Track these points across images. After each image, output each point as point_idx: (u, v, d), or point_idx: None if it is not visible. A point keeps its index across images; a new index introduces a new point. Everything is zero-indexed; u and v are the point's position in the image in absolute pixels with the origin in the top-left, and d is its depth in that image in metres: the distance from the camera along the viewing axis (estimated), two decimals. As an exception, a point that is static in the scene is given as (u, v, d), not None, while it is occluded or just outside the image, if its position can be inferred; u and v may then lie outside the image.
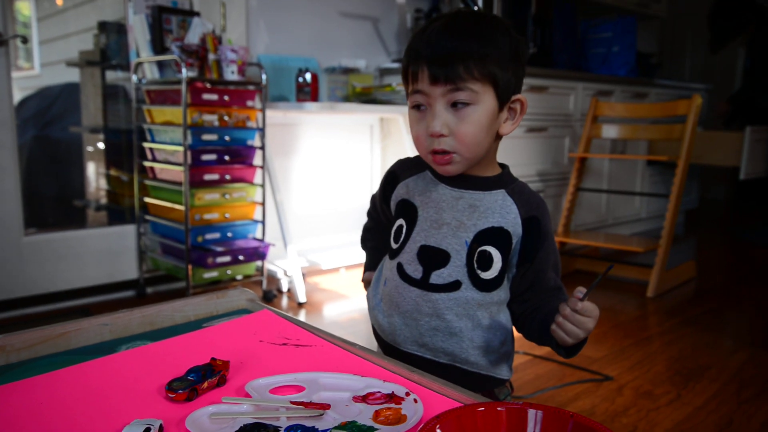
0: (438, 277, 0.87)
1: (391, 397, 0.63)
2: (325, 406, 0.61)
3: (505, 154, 3.15)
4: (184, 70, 2.21)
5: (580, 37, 3.98)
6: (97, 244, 2.53)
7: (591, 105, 3.12)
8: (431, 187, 0.92)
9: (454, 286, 0.86)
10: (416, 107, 0.86)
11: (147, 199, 2.59)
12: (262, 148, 2.53)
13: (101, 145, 3.08)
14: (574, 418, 0.52)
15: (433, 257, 0.87)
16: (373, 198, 1.06)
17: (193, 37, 2.39)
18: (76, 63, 2.97)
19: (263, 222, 2.55)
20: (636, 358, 2.07)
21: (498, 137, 0.88)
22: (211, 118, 2.37)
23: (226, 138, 2.42)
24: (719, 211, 5.58)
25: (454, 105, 0.82)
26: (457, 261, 0.86)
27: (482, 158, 0.88)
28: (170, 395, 0.63)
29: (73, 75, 3.00)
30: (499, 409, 0.54)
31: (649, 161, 4.03)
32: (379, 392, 0.64)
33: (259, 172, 2.55)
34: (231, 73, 2.40)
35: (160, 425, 0.56)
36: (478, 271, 0.86)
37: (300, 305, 2.53)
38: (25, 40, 2.33)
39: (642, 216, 4.15)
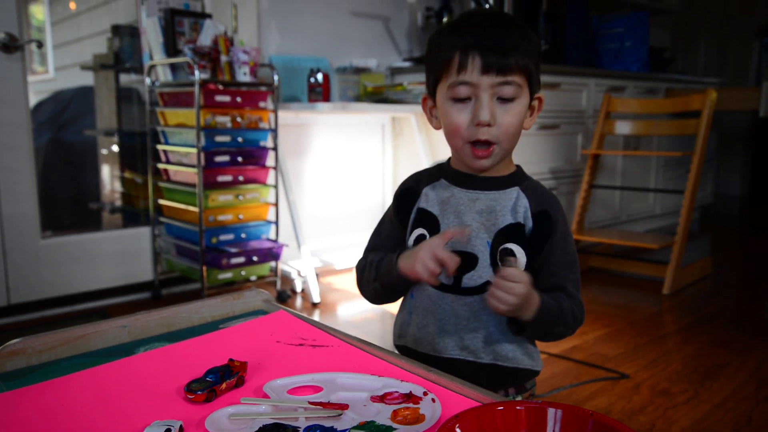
0: (469, 279, 0.89)
1: (409, 397, 0.63)
2: (344, 407, 0.61)
3: (516, 151, 3.13)
4: (196, 72, 2.23)
5: (592, 32, 3.96)
6: (112, 246, 2.55)
7: (604, 101, 3.10)
8: (448, 194, 0.93)
9: (486, 287, 0.87)
10: (456, 99, 0.86)
11: (161, 201, 2.61)
12: (275, 149, 2.54)
13: (115, 148, 3.11)
14: (593, 417, 0.52)
15: (462, 261, 0.87)
16: (377, 233, 1.00)
17: (205, 39, 2.41)
18: (90, 66, 3.00)
19: (277, 223, 2.56)
20: (652, 355, 2.05)
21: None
22: (224, 120, 2.38)
23: (239, 139, 2.43)
24: (735, 206, 5.52)
25: (499, 99, 0.85)
26: (484, 262, 0.88)
27: None
28: (189, 396, 0.63)
29: (87, 78, 3.03)
30: (518, 408, 0.54)
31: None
32: (396, 392, 0.64)
33: (272, 173, 2.56)
34: (243, 75, 2.41)
35: (180, 426, 0.56)
36: None
37: (314, 305, 2.54)
38: (39, 44, 2.35)
39: (656, 212, 4.12)
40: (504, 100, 0.85)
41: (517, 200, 0.89)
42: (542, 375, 1.88)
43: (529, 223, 0.88)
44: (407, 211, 0.96)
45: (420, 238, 0.92)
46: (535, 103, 0.91)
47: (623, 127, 3.11)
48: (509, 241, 0.88)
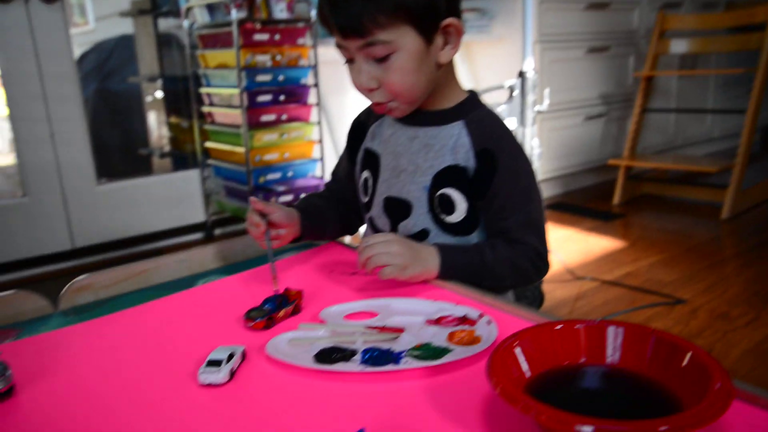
0: (404, 228, 0.84)
1: (464, 320, 0.64)
2: (399, 330, 0.62)
3: (564, 77, 3.02)
4: (233, 12, 2.20)
5: (645, -56, 3.70)
6: (163, 190, 2.61)
7: (657, 19, 2.93)
8: (390, 131, 0.87)
9: (422, 235, 0.83)
10: (346, 61, 0.80)
11: (208, 144, 2.64)
12: (316, 85, 2.51)
13: (160, 94, 3.13)
14: (655, 334, 0.51)
15: (396, 208, 0.84)
16: (335, 172, 1.01)
17: (240, -24, 2.36)
18: (129, 12, 3.00)
19: (322, 160, 2.57)
20: (710, 280, 2.00)
21: (440, 67, 0.80)
22: (264, 59, 2.36)
23: (280, 78, 2.42)
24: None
25: (374, 59, 0.76)
26: (420, 209, 0.83)
27: (432, 91, 0.82)
28: (249, 324, 0.65)
29: (126, 26, 3.04)
30: (577, 326, 0.53)
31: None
32: (451, 315, 0.65)
33: (314, 111, 2.55)
34: (280, 11, 2.37)
35: (243, 350, 0.58)
36: (443, 216, 0.82)
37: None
38: (78, -8, 2.35)
39: (714, 135, 3.94)
40: (379, 60, 0.76)
41: (459, 138, 0.81)
42: (595, 302, 1.87)
43: (472, 164, 0.79)
44: (356, 148, 0.93)
45: (365, 182, 0.89)
46: (452, 30, 0.77)
47: (679, 46, 2.94)
48: (449, 185, 0.81)
